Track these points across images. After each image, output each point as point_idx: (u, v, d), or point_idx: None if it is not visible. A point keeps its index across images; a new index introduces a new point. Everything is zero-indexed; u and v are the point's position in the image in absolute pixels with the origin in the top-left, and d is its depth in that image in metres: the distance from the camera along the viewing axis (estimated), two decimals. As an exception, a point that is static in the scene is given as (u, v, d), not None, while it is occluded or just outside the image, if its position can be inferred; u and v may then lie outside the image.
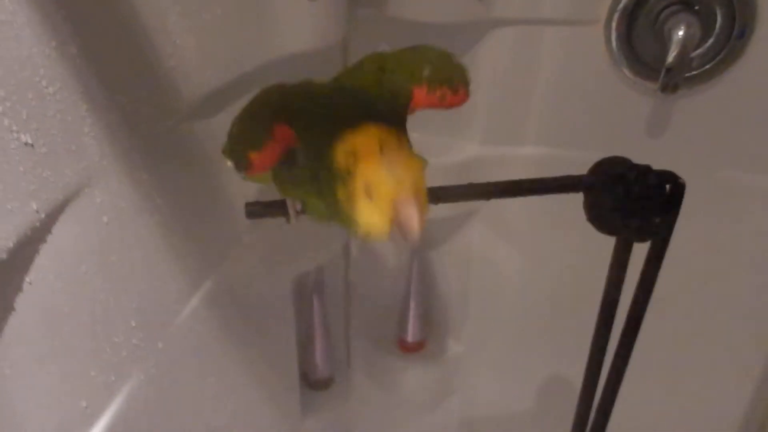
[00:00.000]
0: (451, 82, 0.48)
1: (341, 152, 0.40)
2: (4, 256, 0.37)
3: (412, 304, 1.04)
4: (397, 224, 0.39)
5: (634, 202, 0.50)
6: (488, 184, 0.53)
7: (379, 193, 0.39)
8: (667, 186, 0.51)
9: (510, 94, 0.89)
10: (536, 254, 1.00)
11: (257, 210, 0.50)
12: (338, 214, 0.43)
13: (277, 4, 0.64)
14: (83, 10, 0.42)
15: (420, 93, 0.47)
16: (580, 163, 0.90)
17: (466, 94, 0.49)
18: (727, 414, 1.03)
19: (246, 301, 0.72)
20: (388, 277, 1.06)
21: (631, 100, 0.86)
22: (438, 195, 0.51)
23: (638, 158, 0.88)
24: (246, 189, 0.69)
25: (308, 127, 0.44)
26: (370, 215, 0.40)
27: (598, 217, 0.52)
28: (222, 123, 0.61)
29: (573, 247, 0.96)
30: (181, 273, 0.60)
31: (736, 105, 0.84)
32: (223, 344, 0.69)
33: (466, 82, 0.49)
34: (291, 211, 0.50)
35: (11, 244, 0.38)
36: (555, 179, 0.52)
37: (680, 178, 0.51)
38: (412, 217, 0.38)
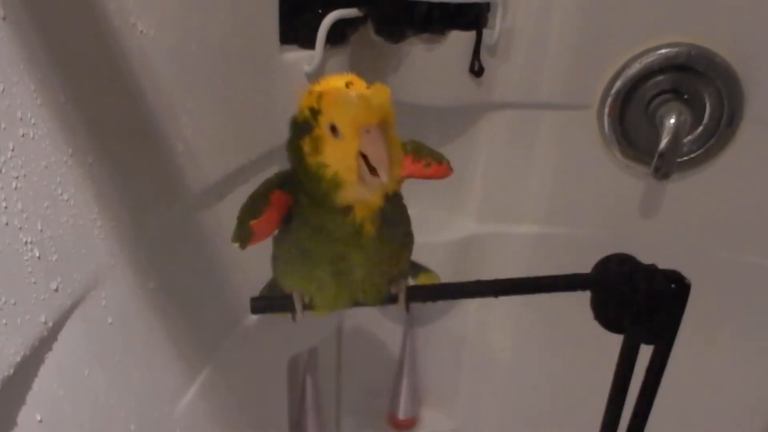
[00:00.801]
0: (434, 155, 0.48)
1: (306, 98, 0.40)
2: (10, 371, 0.36)
3: (404, 381, 1.03)
4: (365, 158, 0.38)
5: (641, 303, 0.49)
6: (495, 282, 0.53)
7: (343, 124, 0.38)
8: (673, 285, 0.52)
9: (507, 173, 0.90)
10: (530, 334, 1.00)
11: (262, 305, 0.49)
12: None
13: (280, 93, 0.65)
14: (98, 115, 0.42)
15: (407, 160, 0.47)
16: (574, 242, 0.92)
17: (449, 168, 0.49)
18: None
19: (241, 385, 0.71)
20: (379, 354, 1.05)
21: (624, 183, 0.88)
22: (443, 292, 0.51)
23: (630, 239, 0.89)
24: (246, 274, 0.69)
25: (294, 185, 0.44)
26: (337, 157, 0.39)
27: (605, 315, 0.52)
28: (225, 210, 0.61)
29: (567, 329, 0.96)
30: (179, 366, 0.58)
31: (727, 189, 0.85)
32: (218, 429, 0.67)
33: (448, 160, 0.49)
34: (297, 306, 0.49)
35: (18, 359, 0.36)
36: (562, 277, 0.52)
37: (686, 278, 0.51)
38: (380, 149, 0.37)
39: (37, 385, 0.40)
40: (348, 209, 0.42)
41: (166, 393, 0.57)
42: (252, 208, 0.46)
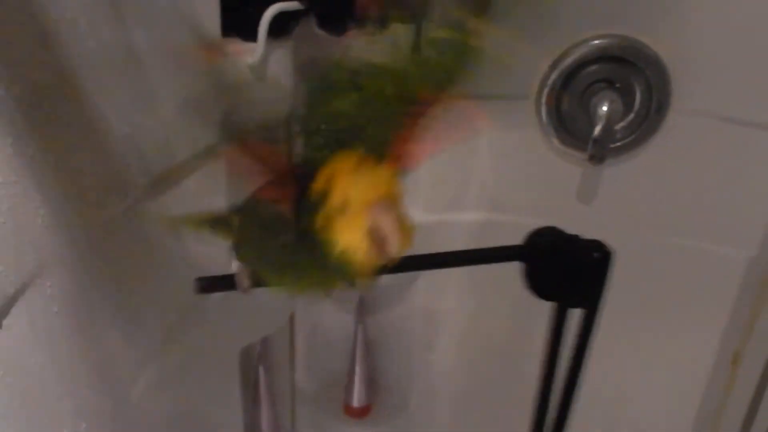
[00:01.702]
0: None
1: (321, 178, 0.41)
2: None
3: (357, 369, 1.05)
4: (372, 235, 0.39)
5: (568, 271, 0.53)
6: (433, 255, 0.56)
7: (353, 203, 0.39)
8: (595, 254, 0.55)
9: (451, 164, 0.93)
10: (476, 315, 1.03)
11: (208, 284, 0.50)
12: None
13: (228, 79, 0.66)
14: (39, 107, 0.43)
15: None
16: (517, 227, 0.95)
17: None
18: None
19: (194, 377, 0.72)
20: (332, 344, 1.07)
21: (562, 169, 0.91)
22: (396, 266, 0.52)
23: (569, 223, 0.93)
24: (195, 264, 0.70)
25: None
26: (347, 233, 0.40)
27: (536, 284, 0.55)
28: (171, 202, 0.62)
29: (511, 305, 1.00)
30: (130, 355, 0.59)
31: (658, 173, 0.90)
32: (172, 422, 0.68)
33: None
34: (242, 286, 0.50)
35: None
36: (494, 249, 0.55)
37: (607, 246, 0.54)
38: (389, 225, 0.39)
39: (-19, 369, 0.40)
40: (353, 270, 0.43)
41: (117, 384, 0.57)
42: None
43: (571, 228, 0.96)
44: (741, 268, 0.92)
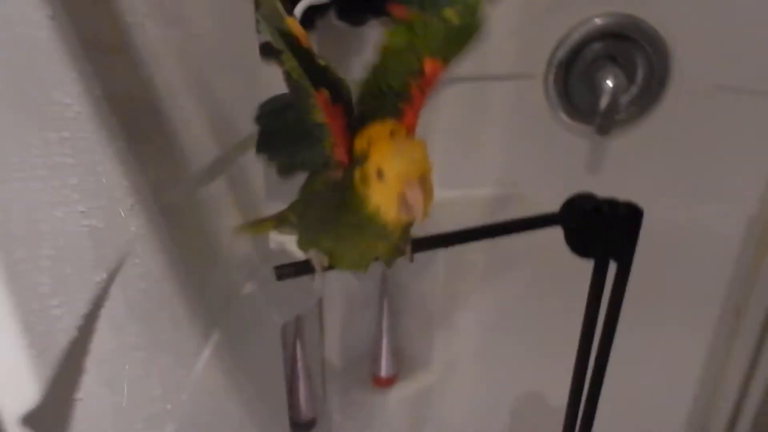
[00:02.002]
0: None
1: (359, 140, 0.47)
2: (81, 322, 0.42)
3: (384, 341, 1.10)
4: (404, 204, 0.45)
5: (604, 230, 0.59)
6: (473, 229, 0.61)
7: (389, 176, 0.44)
8: (628, 212, 0.61)
9: (464, 142, 0.98)
10: (497, 283, 1.09)
11: (287, 271, 0.56)
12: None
13: (260, 80, 0.72)
14: (123, 105, 0.48)
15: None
16: (529, 201, 1.01)
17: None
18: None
19: (245, 349, 0.77)
20: (359, 320, 1.13)
21: (570, 143, 0.97)
22: (423, 244, 0.58)
23: (578, 190, 0.99)
24: (243, 246, 0.75)
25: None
26: (381, 195, 0.45)
27: (579, 245, 0.61)
28: (218, 188, 0.67)
29: (529, 280, 1.06)
30: (196, 328, 0.65)
31: (661, 142, 0.96)
32: (229, 391, 0.74)
33: None
34: (318, 267, 0.56)
35: (86, 311, 0.43)
36: (535, 218, 0.61)
37: (639, 206, 0.61)
38: (418, 198, 0.44)
39: (95, 339, 0.46)
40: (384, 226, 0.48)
41: (187, 353, 0.63)
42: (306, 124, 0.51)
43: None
44: (742, 225, 0.98)
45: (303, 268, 0.57)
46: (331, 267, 0.57)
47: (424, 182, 0.45)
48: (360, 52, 0.87)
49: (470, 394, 1.19)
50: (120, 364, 0.50)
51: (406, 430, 1.18)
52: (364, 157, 0.46)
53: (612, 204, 0.61)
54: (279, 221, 0.62)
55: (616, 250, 0.61)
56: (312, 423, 1.07)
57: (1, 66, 0.34)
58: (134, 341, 0.52)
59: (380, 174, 0.45)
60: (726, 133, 0.93)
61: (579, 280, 1.02)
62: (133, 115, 0.50)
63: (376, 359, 1.13)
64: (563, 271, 1.04)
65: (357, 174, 0.47)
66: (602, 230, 0.61)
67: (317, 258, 0.57)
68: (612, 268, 0.64)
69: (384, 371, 1.13)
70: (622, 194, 0.99)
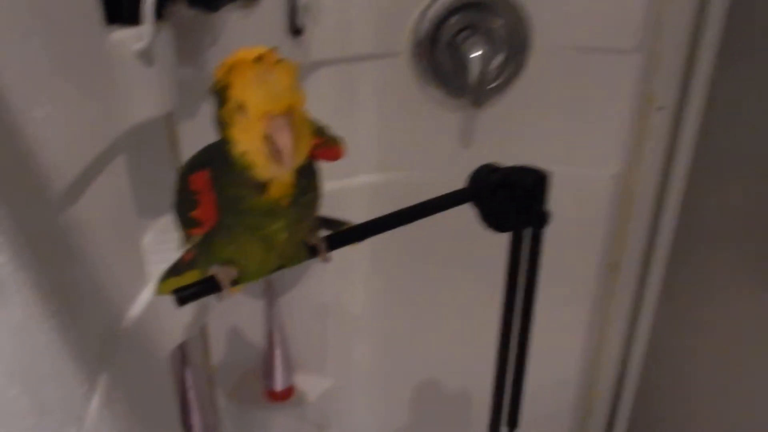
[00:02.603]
0: (330, 136, 0.50)
1: (219, 70, 0.39)
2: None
3: (276, 353, 1.03)
4: (271, 147, 0.39)
5: (515, 199, 0.57)
6: (380, 219, 0.57)
7: (248, 108, 0.38)
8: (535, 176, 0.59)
9: (336, 128, 0.93)
10: (382, 286, 1.06)
11: (189, 294, 0.48)
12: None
13: (114, 77, 0.62)
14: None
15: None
16: (410, 183, 0.98)
17: (342, 148, 0.52)
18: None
19: (135, 388, 0.68)
20: (246, 333, 1.05)
21: (444, 119, 0.96)
22: (354, 234, 0.53)
23: (457, 168, 0.98)
24: (118, 275, 0.66)
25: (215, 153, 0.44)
26: (244, 135, 0.39)
27: (494, 220, 0.58)
28: (85, 209, 0.57)
29: (417, 274, 1.04)
30: (83, 374, 0.55)
31: (528, 108, 0.97)
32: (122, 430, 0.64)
33: (343, 144, 0.51)
34: (224, 281, 0.49)
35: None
36: (443, 198, 0.57)
37: (543, 169, 0.59)
38: (283, 137, 0.38)
39: (-30, 412, 0.36)
40: (263, 186, 0.43)
41: (75, 406, 0.53)
42: (185, 203, 0.45)
43: (458, 172, 1.02)
44: (608, 184, 1.02)
45: (206, 288, 0.50)
46: (235, 281, 0.50)
47: (291, 118, 0.39)
48: (217, 40, 0.79)
49: (371, 391, 1.15)
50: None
51: (310, 440, 1.12)
52: (224, 91, 0.39)
53: (519, 171, 0.59)
54: (176, 267, 0.54)
55: (530, 219, 0.59)
56: (210, 454, 0.98)
57: None
58: (15, 407, 0.42)
59: (241, 108, 0.38)
60: (587, 93, 0.96)
61: (467, 255, 1.02)
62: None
63: (269, 373, 1.05)
64: (451, 249, 1.03)
65: (224, 115, 0.40)
66: (514, 201, 0.59)
67: (223, 272, 0.50)
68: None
69: (279, 384, 1.05)
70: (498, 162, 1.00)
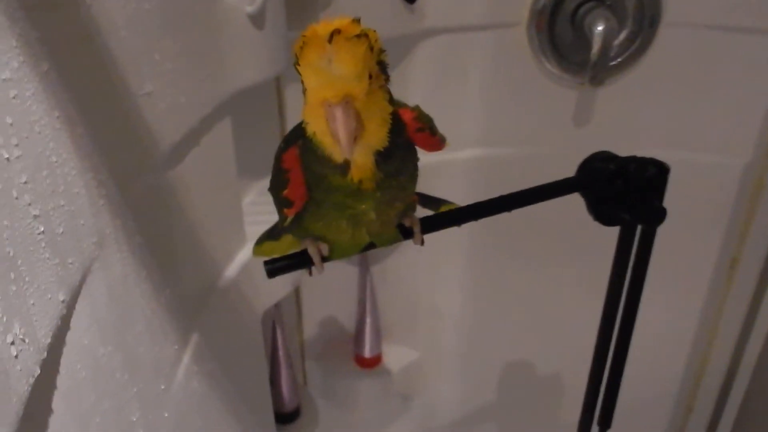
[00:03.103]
0: (433, 125, 0.46)
1: (297, 41, 0.36)
2: (44, 355, 0.33)
3: (368, 320, 1.03)
4: (330, 129, 0.36)
5: (629, 192, 0.52)
6: (483, 203, 0.54)
7: (308, 92, 0.36)
8: (654, 170, 0.55)
9: (444, 100, 0.90)
10: (477, 255, 1.03)
11: (279, 266, 0.47)
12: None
13: (225, 40, 0.62)
14: (76, 81, 0.39)
15: (405, 112, 0.44)
16: (516, 159, 0.94)
17: (442, 141, 0.47)
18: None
19: (225, 347, 0.69)
20: (338, 299, 1.05)
21: (558, 95, 0.91)
22: (433, 223, 0.51)
23: (567, 147, 0.92)
24: (217, 235, 0.67)
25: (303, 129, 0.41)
26: (312, 113, 0.37)
27: (605, 213, 0.54)
28: (188, 169, 0.58)
29: (512, 249, 1.00)
30: (173, 334, 0.56)
31: (652, 88, 0.90)
32: (212, 397, 0.66)
33: (443, 136, 0.48)
34: (315, 259, 0.48)
35: (49, 340, 0.34)
36: (550, 185, 0.54)
37: (665, 163, 0.54)
38: (338, 125, 0.35)
39: (64, 368, 0.37)
40: (344, 166, 0.40)
41: (166, 365, 0.54)
42: (277, 182, 0.44)
43: (570, 155, 0.97)
44: (737, 175, 0.94)
45: (297, 262, 0.49)
46: (326, 258, 0.49)
47: (349, 106, 0.36)
48: (329, 3, 0.78)
49: (458, 367, 1.13)
50: (92, 393, 0.41)
51: (392, 409, 1.12)
52: (297, 63, 0.36)
53: (637, 163, 0.54)
54: (271, 232, 0.54)
55: (643, 215, 0.55)
56: (296, 412, 1.00)
57: None
58: (107, 364, 0.43)
59: (304, 89, 0.37)
60: (719, 76, 0.88)
61: (569, 243, 0.97)
62: (89, 91, 0.41)
63: (359, 340, 1.06)
64: (550, 238, 0.98)
65: (304, 92, 0.38)
66: (628, 194, 0.54)
67: (314, 247, 0.49)
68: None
69: (368, 351, 1.06)
70: (610, 145, 0.94)
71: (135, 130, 0.48)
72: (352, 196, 0.42)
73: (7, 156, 0.30)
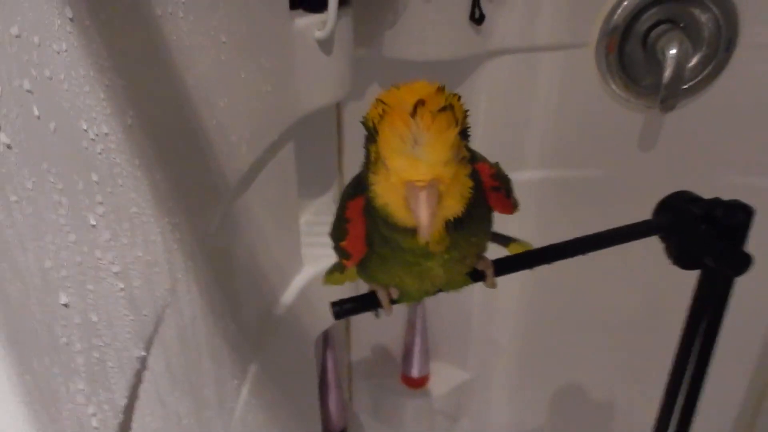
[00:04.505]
0: (509, 186, 0.44)
1: (375, 104, 0.34)
2: (120, 417, 0.32)
3: (418, 340, 1.02)
4: (409, 206, 0.34)
5: (712, 237, 0.49)
6: (558, 245, 0.51)
7: (390, 170, 0.34)
8: (740, 215, 0.52)
9: (507, 120, 0.88)
10: (533, 281, 1.00)
11: (346, 308, 0.46)
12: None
13: (294, 66, 0.61)
14: (153, 118, 0.37)
15: (484, 168, 0.43)
16: (579, 182, 0.91)
17: (514, 206, 0.45)
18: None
19: (281, 374, 0.68)
20: (388, 318, 1.04)
21: (625, 118, 0.87)
22: (525, 261, 0.49)
23: (633, 172, 0.89)
24: (276, 261, 0.65)
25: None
26: (384, 188, 0.35)
27: (685, 257, 0.51)
28: (252, 197, 0.57)
29: (565, 273, 0.97)
30: (235, 367, 0.55)
31: (724, 112, 0.86)
32: (267, 424, 0.65)
33: (517, 200, 0.45)
34: (384, 301, 0.46)
35: (125, 401, 0.33)
36: (630, 227, 0.51)
37: (749, 206, 0.51)
38: (420, 207, 0.33)
39: (136, 423, 0.36)
40: (414, 230, 0.37)
41: (227, 400, 0.53)
42: (338, 231, 0.43)
43: (635, 179, 0.93)
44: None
45: (365, 304, 0.48)
46: (394, 301, 0.48)
47: (434, 189, 0.33)
48: (395, 23, 0.76)
49: (507, 391, 1.11)
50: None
51: (438, 430, 1.10)
52: (373, 132, 0.34)
53: (723, 207, 0.51)
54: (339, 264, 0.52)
55: (728, 261, 0.51)
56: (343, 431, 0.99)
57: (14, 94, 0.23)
58: (177, 409, 0.42)
59: (384, 165, 0.34)
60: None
61: (628, 279, 0.94)
62: (167, 132, 0.39)
63: (408, 359, 1.04)
64: (609, 267, 0.95)
65: (372, 152, 0.35)
66: (711, 238, 0.51)
67: (384, 291, 0.47)
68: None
69: (416, 371, 1.04)
70: (678, 171, 0.90)
71: (207, 165, 0.46)
72: (420, 256, 0.40)
73: (93, 223, 0.29)
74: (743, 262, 0.52)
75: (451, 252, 0.41)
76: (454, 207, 0.36)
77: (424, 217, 0.34)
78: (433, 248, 0.39)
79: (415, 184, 0.33)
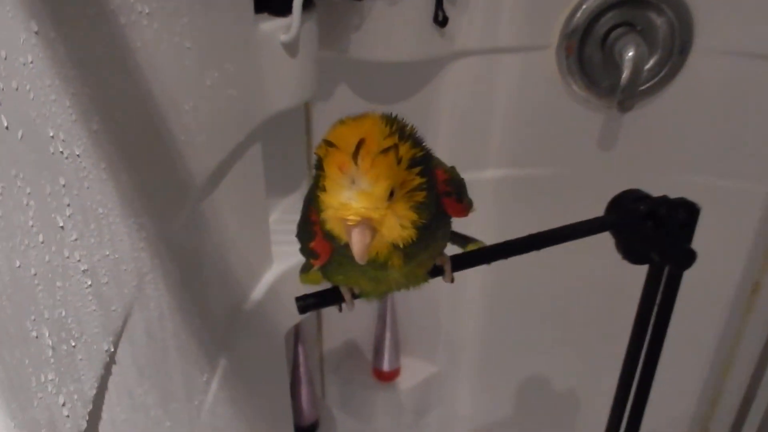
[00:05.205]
0: (462, 191, 0.46)
1: (323, 140, 0.36)
2: (90, 407, 0.34)
3: (388, 334, 1.04)
4: (347, 235, 0.36)
5: (660, 233, 0.52)
6: (512, 242, 0.54)
7: (327, 205, 0.36)
8: (685, 213, 0.55)
9: (470, 120, 0.90)
10: (498, 271, 1.03)
11: (310, 303, 0.48)
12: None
13: (259, 69, 0.62)
14: (116, 121, 0.39)
15: (439, 173, 0.43)
16: (539, 180, 0.94)
17: (467, 209, 0.46)
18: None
19: (251, 368, 0.70)
20: (358, 312, 1.06)
21: (585, 118, 0.90)
22: (481, 257, 0.51)
23: (591, 171, 0.92)
24: (245, 258, 0.67)
25: None
26: (326, 213, 0.37)
27: (632, 252, 0.54)
28: (220, 197, 0.58)
29: (533, 262, 1.00)
30: (203, 360, 0.57)
31: (679, 114, 0.89)
32: (238, 417, 0.66)
33: (471, 202, 0.47)
34: (347, 297, 0.48)
35: (95, 392, 0.35)
36: (580, 224, 0.54)
37: (695, 203, 0.54)
38: (355, 240, 0.35)
39: (106, 413, 0.38)
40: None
41: (195, 393, 0.55)
42: (304, 232, 0.44)
43: (594, 178, 0.96)
44: (761, 200, 0.93)
45: (328, 299, 0.50)
46: (357, 296, 0.50)
47: (368, 225, 0.35)
48: (360, 27, 0.78)
49: (474, 384, 1.13)
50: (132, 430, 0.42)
51: (409, 423, 1.13)
52: (319, 165, 0.36)
53: (668, 205, 0.54)
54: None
55: (673, 257, 0.55)
56: (315, 425, 1.01)
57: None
58: (143, 403, 0.44)
59: (323, 201, 0.36)
60: (747, 103, 0.87)
61: (587, 271, 0.97)
62: (133, 136, 0.41)
63: (378, 353, 1.06)
64: (571, 257, 0.98)
65: (321, 176, 0.36)
66: (658, 235, 0.54)
67: (346, 286, 0.49)
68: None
69: (387, 365, 1.06)
70: (635, 170, 0.94)
71: (173, 167, 0.48)
72: (378, 268, 0.42)
73: (61, 224, 0.31)
74: (687, 258, 0.55)
75: (409, 262, 0.42)
76: (401, 233, 0.37)
77: (356, 250, 0.35)
78: (390, 262, 0.41)
79: (349, 222, 0.35)
